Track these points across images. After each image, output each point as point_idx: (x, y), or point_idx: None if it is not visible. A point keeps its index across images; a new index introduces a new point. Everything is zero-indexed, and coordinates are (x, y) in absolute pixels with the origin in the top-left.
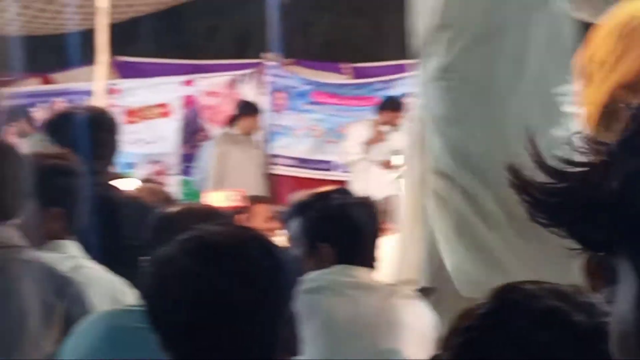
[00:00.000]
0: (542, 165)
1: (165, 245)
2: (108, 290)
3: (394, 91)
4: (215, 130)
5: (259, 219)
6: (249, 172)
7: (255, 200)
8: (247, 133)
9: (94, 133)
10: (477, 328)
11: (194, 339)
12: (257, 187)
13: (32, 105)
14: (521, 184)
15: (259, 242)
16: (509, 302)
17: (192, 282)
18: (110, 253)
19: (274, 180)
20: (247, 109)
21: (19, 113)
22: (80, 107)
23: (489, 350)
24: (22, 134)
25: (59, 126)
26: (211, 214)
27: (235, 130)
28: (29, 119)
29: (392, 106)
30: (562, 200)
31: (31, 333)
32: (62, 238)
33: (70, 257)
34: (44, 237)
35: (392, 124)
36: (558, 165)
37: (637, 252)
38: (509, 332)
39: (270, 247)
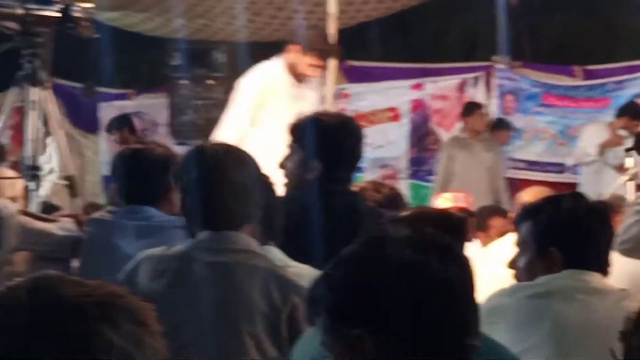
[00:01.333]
0: None
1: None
2: None
3: (629, 92)
4: (444, 134)
5: (494, 233)
6: (477, 177)
7: (491, 212)
8: (475, 135)
9: (340, 140)
10: None
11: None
12: (487, 192)
13: None
14: None
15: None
16: None
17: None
18: None
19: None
20: (468, 110)
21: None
22: (326, 113)
23: None
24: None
25: (305, 132)
26: (440, 217)
27: (463, 133)
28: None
29: (633, 113)
30: None
31: (258, 336)
32: (262, 243)
33: (276, 259)
34: None
35: (631, 129)
36: None
37: None
38: None
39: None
